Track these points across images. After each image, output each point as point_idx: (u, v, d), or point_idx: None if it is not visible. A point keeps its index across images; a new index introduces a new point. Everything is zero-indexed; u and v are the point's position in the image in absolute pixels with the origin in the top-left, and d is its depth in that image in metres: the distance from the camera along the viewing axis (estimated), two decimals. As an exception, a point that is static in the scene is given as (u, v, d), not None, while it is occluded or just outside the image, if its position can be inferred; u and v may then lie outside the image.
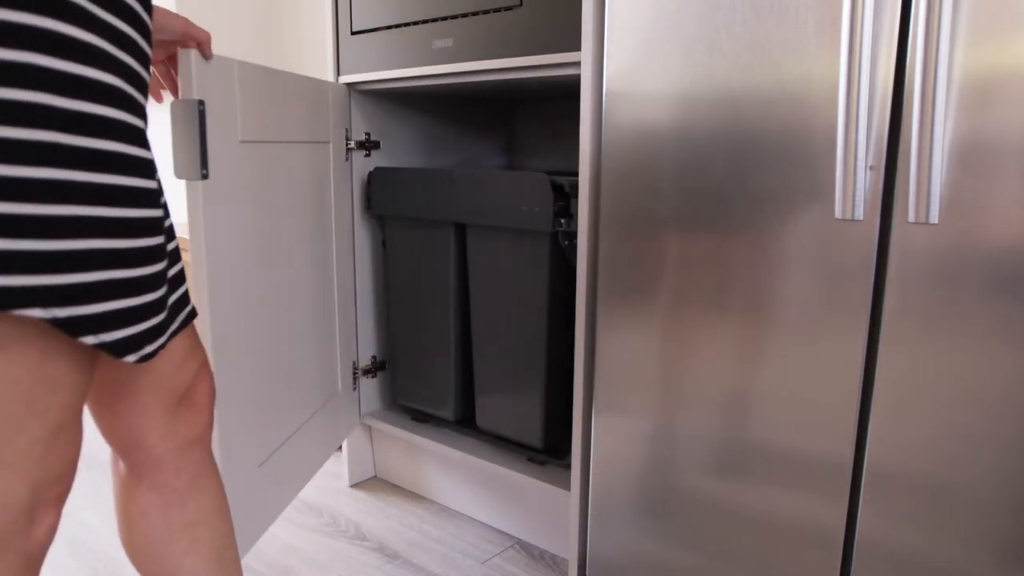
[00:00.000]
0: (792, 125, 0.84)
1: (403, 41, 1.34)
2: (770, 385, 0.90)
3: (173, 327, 0.68)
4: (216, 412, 1.01)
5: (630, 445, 1.04)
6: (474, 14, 1.23)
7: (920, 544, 0.81)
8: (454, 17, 1.26)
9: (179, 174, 0.95)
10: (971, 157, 0.73)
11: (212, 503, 0.78)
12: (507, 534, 1.44)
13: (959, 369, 0.76)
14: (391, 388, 1.66)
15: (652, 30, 0.93)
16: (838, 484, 0.86)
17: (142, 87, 0.57)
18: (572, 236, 1.21)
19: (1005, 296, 0.72)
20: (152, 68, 0.86)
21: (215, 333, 1.00)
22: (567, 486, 1.25)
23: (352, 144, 1.47)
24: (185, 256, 1.80)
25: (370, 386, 1.61)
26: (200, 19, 2.03)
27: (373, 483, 1.66)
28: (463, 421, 1.49)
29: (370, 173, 1.48)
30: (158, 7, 0.77)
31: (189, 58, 0.91)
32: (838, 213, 0.80)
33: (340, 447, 1.82)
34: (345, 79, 1.44)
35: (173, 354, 0.71)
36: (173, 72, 0.92)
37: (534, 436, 1.32)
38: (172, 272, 0.68)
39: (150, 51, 0.59)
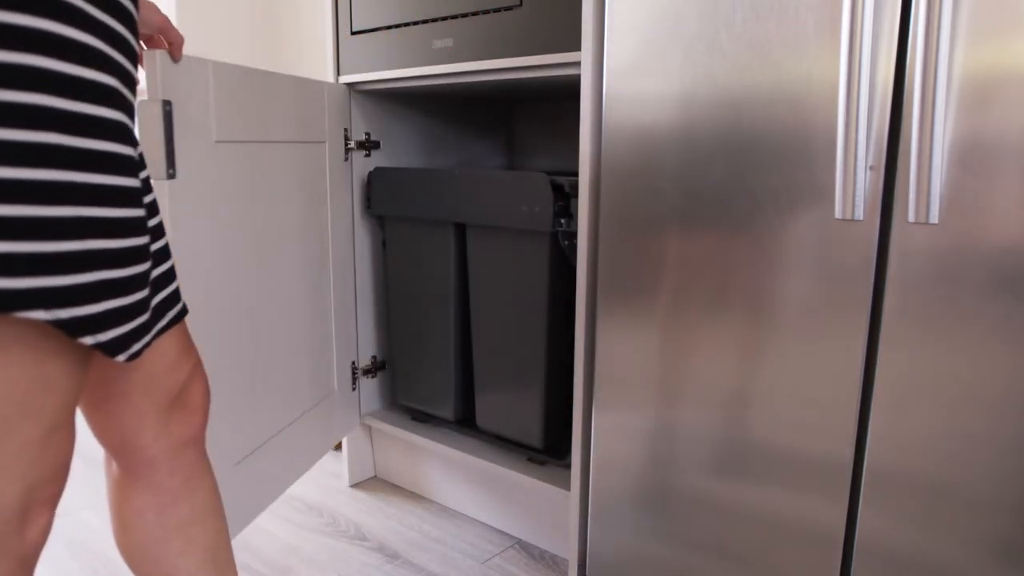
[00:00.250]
0: (792, 125, 0.84)
1: (403, 41, 1.34)
2: (770, 385, 0.90)
3: (161, 324, 0.69)
4: None
5: (630, 445, 1.04)
6: (474, 14, 1.23)
7: (920, 544, 0.81)
8: (454, 17, 1.26)
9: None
10: (971, 157, 0.73)
11: (206, 503, 0.78)
12: (507, 534, 1.44)
13: (959, 369, 0.76)
14: (391, 388, 1.66)
15: (652, 30, 0.93)
16: (838, 484, 0.86)
17: (132, 84, 0.58)
18: (572, 236, 1.21)
19: (1005, 296, 0.72)
20: None
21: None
22: (567, 486, 1.25)
23: (352, 144, 1.47)
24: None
25: (370, 386, 1.61)
26: (200, 19, 2.03)
27: (373, 483, 1.66)
28: (463, 421, 1.49)
29: (370, 173, 1.48)
30: (144, 0, 0.78)
31: (155, 59, 0.92)
32: (838, 213, 0.80)
33: (340, 447, 1.82)
34: (345, 79, 1.44)
35: (166, 355, 0.71)
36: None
37: (534, 436, 1.32)
38: (163, 269, 0.68)
39: (138, 48, 0.60)
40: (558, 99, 1.74)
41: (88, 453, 1.82)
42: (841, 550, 0.88)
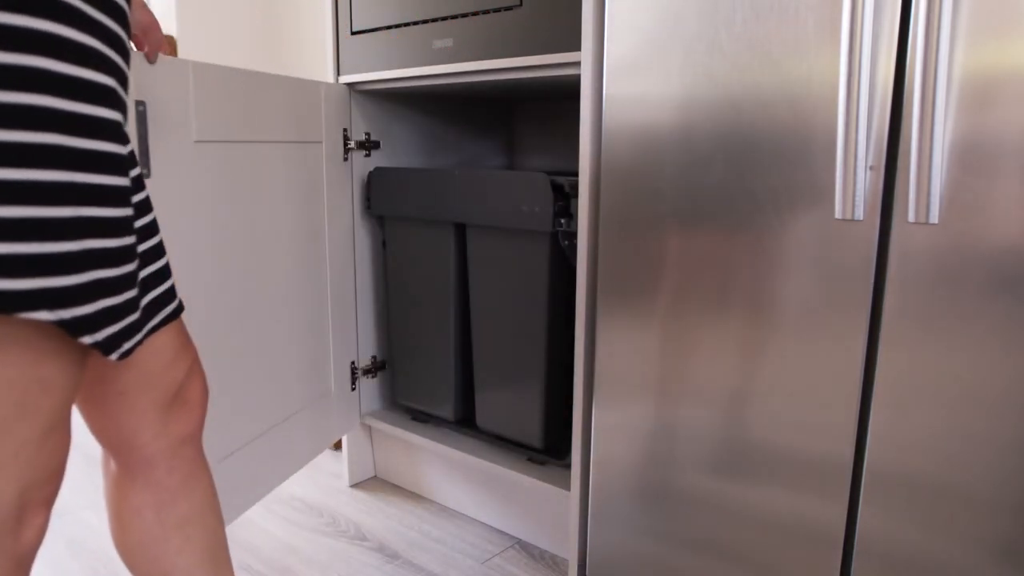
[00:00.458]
0: (792, 125, 0.83)
1: (403, 41, 1.34)
2: (770, 385, 0.90)
3: (156, 321, 0.69)
4: None
5: (630, 445, 1.04)
6: (474, 14, 1.23)
7: (920, 544, 0.81)
8: (454, 17, 1.26)
9: None
10: (971, 157, 0.73)
11: (204, 501, 0.78)
12: (507, 534, 1.44)
13: (959, 369, 0.76)
14: (391, 388, 1.66)
15: (652, 30, 0.93)
16: (838, 484, 0.86)
17: (125, 82, 0.58)
18: (572, 236, 1.21)
19: (1005, 296, 0.72)
20: None
21: None
22: (567, 486, 1.25)
23: (352, 144, 1.47)
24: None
25: (370, 386, 1.61)
26: (200, 19, 2.03)
27: (373, 483, 1.66)
28: (463, 421, 1.49)
29: (370, 173, 1.48)
30: None
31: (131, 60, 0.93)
32: (838, 213, 0.80)
33: (340, 447, 1.82)
34: (345, 79, 1.44)
35: (164, 352, 0.71)
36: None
37: (534, 436, 1.32)
38: (158, 266, 0.69)
39: (130, 46, 0.60)
40: (558, 99, 1.74)
41: (89, 452, 1.82)
42: (841, 550, 0.88)
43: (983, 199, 0.72)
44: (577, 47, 1.10)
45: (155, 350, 0.70)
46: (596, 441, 1.08)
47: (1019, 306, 0.72)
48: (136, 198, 0.66)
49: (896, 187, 0.77)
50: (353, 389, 1.55)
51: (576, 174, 1.38)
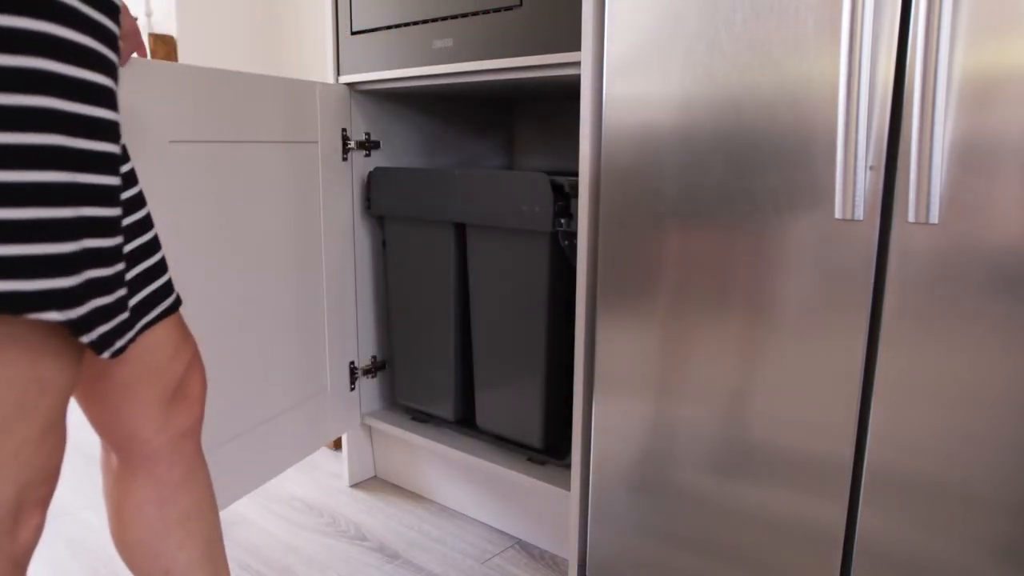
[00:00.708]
0: (792, 125, 0.84)
1: (403, 41, 1.34)
2: (770, 385, 0.90)
3: (152, 315, 0.69)
4: None
5: (630, 445, 1.04)
6: (474, 14, 1.23)
7: (920, 544, 0.81)
8: (454, 17, 1.26)
9: None
10: (971, 157, 0.73)
11: (204, 496, 0.79)
12: (507, 534, 1.44)
13: (959, 369, 0.76)
14: (391, 388, 1.66)
15: (652, 30, 0.93)
16: (838, 484, 0.86)
17: (117, 79, 0.58)
18: (572, 236, 1.21)
19: (1005, 296, 0.72)
20: None
21: None
22: (567, 486, 1.25)
23: (352, 144, 1.47)
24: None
25: (370, 386, 1.61)
26: (200, 19, 2.03)
27: (373, 483, 1.66)
28: (463, 421, 1.49)
29: (370, 173, 1.48)
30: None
31: None
32: (838, 213, 0.80)
33: (340, 447, 1.82)
34: (345, 79, 1.44)
35: (164, 346, 0.72)
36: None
37: (534, 436, 1.32)
38: (153, 260, 0.69)
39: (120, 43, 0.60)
40: (558, 99, 1.74)
41: (90, 451, 1.82)
42: (841, 550, 0.88)
43: (983, 199, 0.72)
44: (577, 47, 1.10)
45: (157, 344, 0.71)
46: (596, 441, 1.08)
47: (1019, 306, 0.72)
48: (129, 193, 0.66)
49: (896, 187, 0.78)
50: (353, 389, 1.55)
51: (576, 174, 1.38)
